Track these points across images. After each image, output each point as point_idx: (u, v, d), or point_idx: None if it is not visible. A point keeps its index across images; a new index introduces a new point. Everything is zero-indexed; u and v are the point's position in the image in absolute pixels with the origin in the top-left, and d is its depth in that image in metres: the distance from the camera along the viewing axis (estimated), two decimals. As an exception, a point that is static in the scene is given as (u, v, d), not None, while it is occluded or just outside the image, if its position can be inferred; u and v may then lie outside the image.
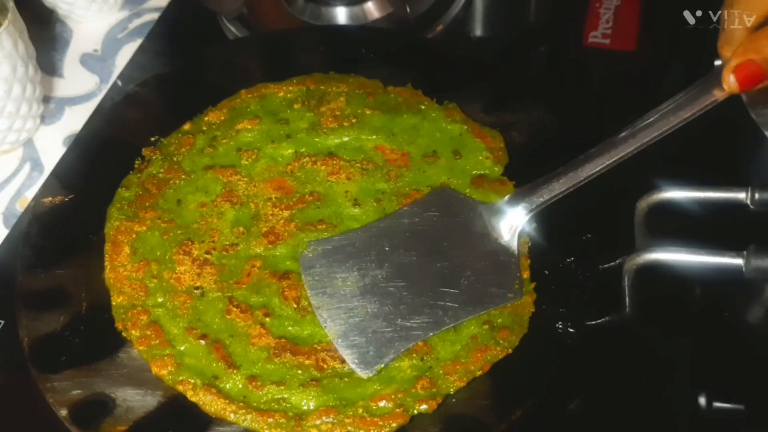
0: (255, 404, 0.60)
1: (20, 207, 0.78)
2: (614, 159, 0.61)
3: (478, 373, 0.60)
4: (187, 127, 0.76)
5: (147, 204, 0.70)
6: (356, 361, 0.61)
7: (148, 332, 0.63)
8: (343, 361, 0.61)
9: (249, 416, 0.59)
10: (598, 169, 0.62)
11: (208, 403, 0.60)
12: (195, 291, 0.66)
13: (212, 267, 0.67)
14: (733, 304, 0.69)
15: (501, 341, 0.61)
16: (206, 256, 0.67)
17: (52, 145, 0.82)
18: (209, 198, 0.71)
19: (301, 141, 0.74)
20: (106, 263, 0.67)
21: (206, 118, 0.76)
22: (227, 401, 0.60)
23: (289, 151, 0.73)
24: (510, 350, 0.61)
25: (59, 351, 0.62)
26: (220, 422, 0.59)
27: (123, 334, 0.64)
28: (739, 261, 0.56)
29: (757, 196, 0.59)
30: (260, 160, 0.73)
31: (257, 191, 0.71)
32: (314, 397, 0.60)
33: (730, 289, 0.67)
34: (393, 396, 0.59)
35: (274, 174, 0.72)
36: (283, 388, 0.60)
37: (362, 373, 0.60)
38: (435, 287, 0.64)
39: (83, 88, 0.86)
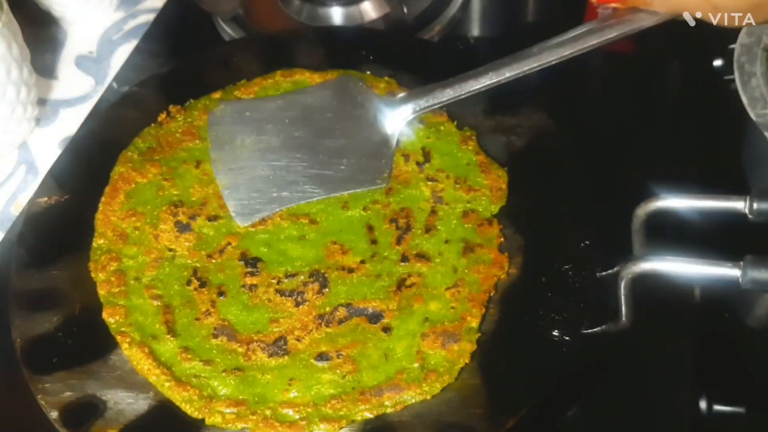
0: (177, 374, 0.61)
1: (15, 210, 0.77)
2: (500, 78, 0.67)
3: (389, 410, 0.59)
4: (216, 95, 0.77)
5: (156, 158, 0.72)
6: (237, 210, 0.68)
7: (113, 279, 0.65)
8: (271, 356, 0.62)
9: (168, 384, 0.60)
10: (483, 85, 0.68)
11: (137, 360, 0.61)
12: (168, 252, 0.67)
13: (191, 234, 0.68)
14: (733, 309, 0.69)
15: (424, 385, 0.60)
16: (190, 221, 0.69)
17: (47, 148, 0.82)
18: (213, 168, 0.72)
19: None
20: (100, 204, 0.69)
21: (236, 92, 0.77)
22: (155, 363, 0.61)
23: None
24: (428, 396, 0.59)
25: (51, 352, 0.62)
26: (209, 426, 0.59)
27: (92, 274, 0.65)
28: (735, 272, 0.55)
29: (755, 205, 0.58)
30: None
31: None
32: (231, 385, 0.60)
33: (729, 295, 0.67)
34: (302, 407, 0.59)
35: None
36: (208, 368, 0.61)
37: (240, 222, 0.68)
38: (319, 162, 0.71)
39: (78, 90, 0.86)
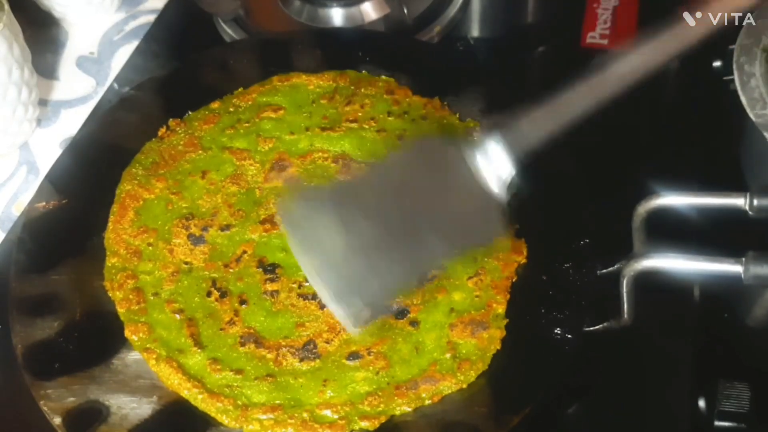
0: (209, 386, 0.60)
1: (16, 211, 0.77)
2: None
3: (428, 402, 0.59)
4: (215, 105, 0.77)
5: (160, 172, 0.72)
6: (349, 320, 0.57)
7: (131, 296, 0.65)
8: (302, 360, 0.61)
9: (201, 396, 0.60)
10: None
11: (167, 375, 0.61)
12: (184, 265, 0.67)
13: (205, 246, 0.68)
14: (733, 309, 0.69)
15: (458, 374, 0.60)
16: (202, 233, 0.69)
17: (49, 149, 0.82)
18: (219, 177, 0.72)
19: (318, 136, 0.74)
20: (109, 224, 0.69)
21: (234, 100, 0.77)
22: (185, 378, 0.61)
23: (305, 144, 0.74)
24: (464, 385, 0.60)
25: (53, 358, 0.62)
26: (214, 429, 0.59)
27: (108, 293, 0.65)
28: (737, 268, 0.55)
29: (755, 202, 0.58)
30: (275, 148, 0.73)
31: (265, 178, 0.72)
32: (265, 392, 0.60)
33: (729, 295, 0.67)
34: (340, 407, 0.59)
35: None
36: (240, 377, 0.61)
37: (353, 331, 0.60)
38: (420, 239, 0.59)
39: (79, 91, 0.86)
